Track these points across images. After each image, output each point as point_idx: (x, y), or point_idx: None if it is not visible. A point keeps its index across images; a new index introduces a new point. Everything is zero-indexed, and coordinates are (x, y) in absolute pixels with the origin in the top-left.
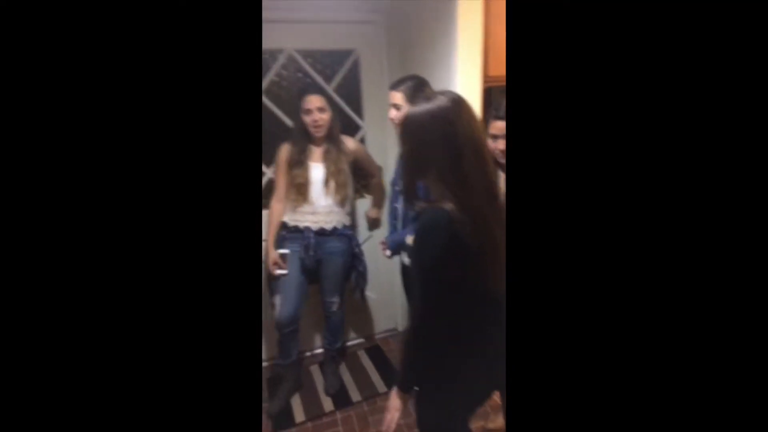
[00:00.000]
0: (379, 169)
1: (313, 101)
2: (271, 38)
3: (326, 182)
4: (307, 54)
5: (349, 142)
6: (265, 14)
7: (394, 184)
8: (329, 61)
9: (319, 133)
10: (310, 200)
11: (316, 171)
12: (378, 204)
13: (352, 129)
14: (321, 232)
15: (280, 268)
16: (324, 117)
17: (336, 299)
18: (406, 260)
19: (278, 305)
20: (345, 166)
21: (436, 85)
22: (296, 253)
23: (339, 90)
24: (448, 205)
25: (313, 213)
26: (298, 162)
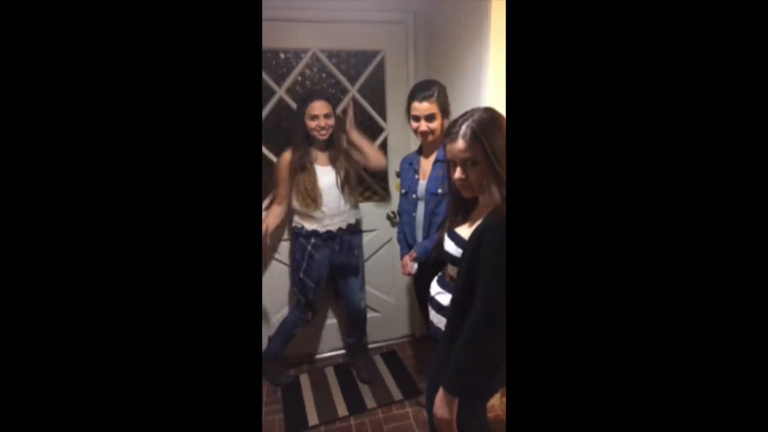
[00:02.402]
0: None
1: (320, 107)
2: (296, 38)
3: (341, 186)
4: (332, 54)
5: (343, 139)
6: (290, 14)
7: (411, 192)
8: (354, 61)
9: (324, 137)
10: (326, 203)
11: (328, 175)
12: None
13: (375, 131)
14: (350, 230)
15: None
16: (330, 123)
17: (365, 294)
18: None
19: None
20: (352, 170)
21: (466, 89)
22: (324, 255)
23: (362, 91)
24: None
25: (334, 215)
26: (302, 167)
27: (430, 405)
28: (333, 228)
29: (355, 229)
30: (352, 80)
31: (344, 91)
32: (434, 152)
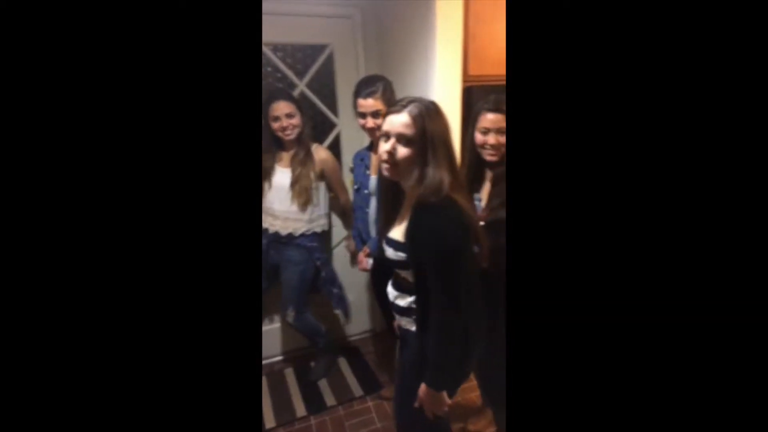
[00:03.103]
0: (345, 191)
1: (281, 108)
2: None
3: (291, 186)
4: (278, 48)
5: (320, 152)
6: None
7: (363, 187)
8: (301, 56)
9: (290, 137)
10: (274, 203)
11: (282, 176)
12: (348, 225)
13: (326, 127)
14: (275, 238)
15: None
16: (293, 122)
17: (290, 311)
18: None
19: None
20: (310, 172)
21: (415, 83)
22: (274, 258)
23: (312, 86)
24: (455, 196)
25: (272, 216)
26: (267, 168)
27: (399, 403)
28: (282, 231)
29: (289, 240)
30: (300, 75)
31: (292, 86)
32: None
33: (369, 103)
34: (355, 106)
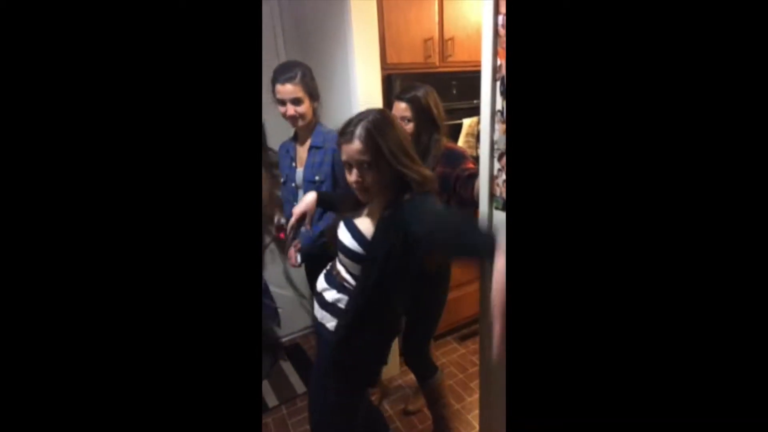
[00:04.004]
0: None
1: (287, 91)
2: None
3: None
4: None
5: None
6: None
7: (290, 180)
8: None
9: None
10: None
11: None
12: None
13: None
14: None
15: None
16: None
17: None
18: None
19: None
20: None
21: (335, 68)
22: None
23: None
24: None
25: None
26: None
27: (314, 401)
28: None
29: None
30: None
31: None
32: (309, 138)
33: (288, 89)
34: (273, 92)
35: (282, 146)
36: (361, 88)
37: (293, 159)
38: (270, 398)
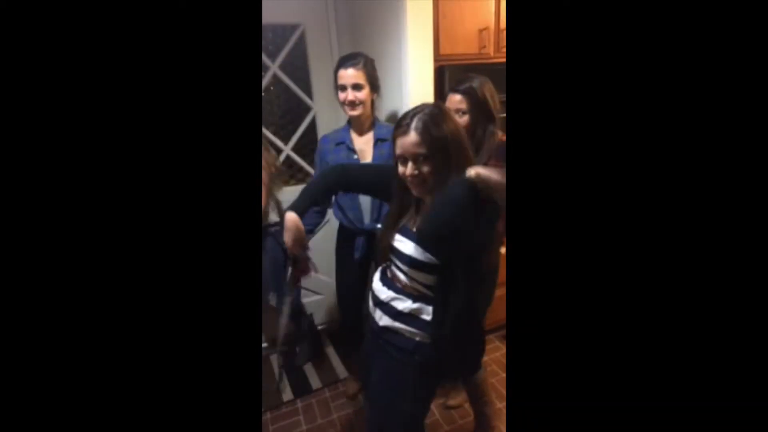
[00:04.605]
0: None
1: (349, 76)
2: None
3: None
4: None
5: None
6: None
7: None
8: (272, 36)
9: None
10: None
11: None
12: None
13: (302, 110)
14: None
15: None
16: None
17: (271, 296)
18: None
19: None
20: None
21: (387, 62)
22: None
23: (285, 68)
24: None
25: None
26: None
27: (383, 414)
28: None
29: (275, 227)
30: (272, 56)
31: (264, 68)
32: (368, 131)
33: (350, 73)
34: (336, 79)
35: (327, 139)
36: (413, 80)
37: (353, 151)
38: (314, 380)
